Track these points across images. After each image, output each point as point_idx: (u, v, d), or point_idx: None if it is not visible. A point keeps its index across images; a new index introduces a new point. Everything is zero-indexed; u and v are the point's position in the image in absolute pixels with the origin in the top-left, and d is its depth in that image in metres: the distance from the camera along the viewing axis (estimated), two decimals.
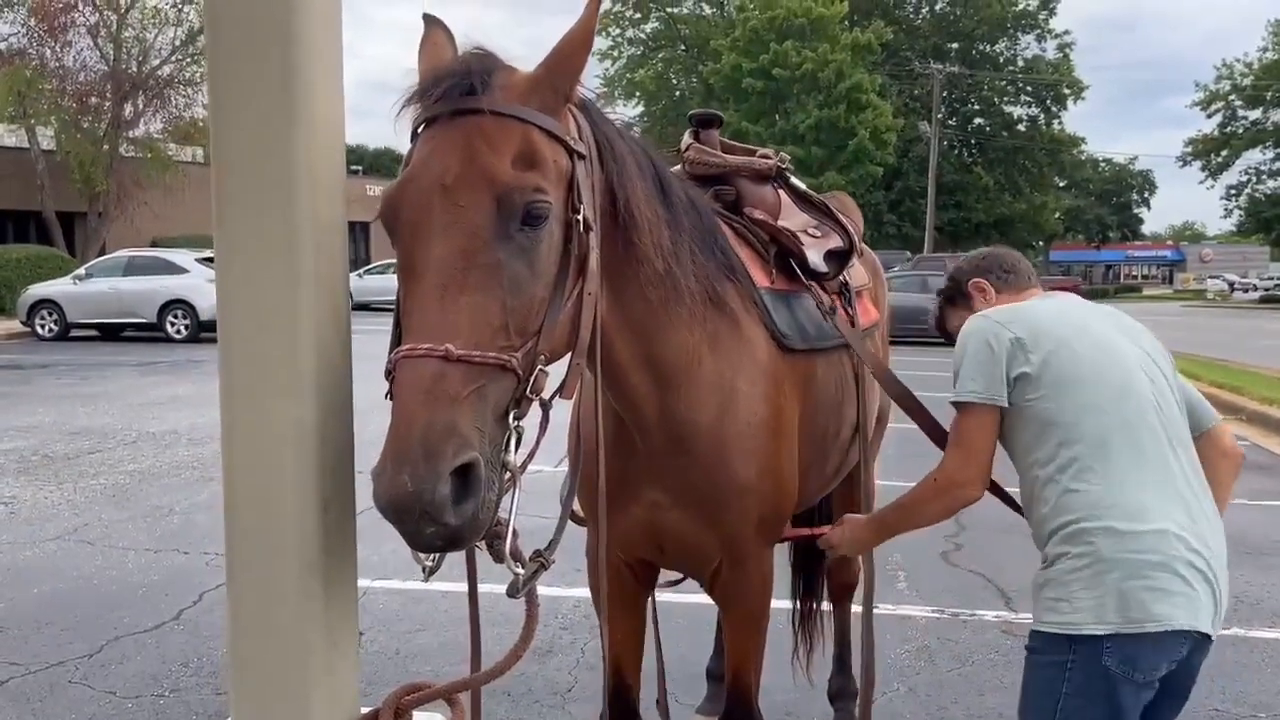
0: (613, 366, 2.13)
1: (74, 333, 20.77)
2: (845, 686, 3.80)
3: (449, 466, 1.48)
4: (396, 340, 1.68)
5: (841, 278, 2.95)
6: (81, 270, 21.65)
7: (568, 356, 1.85)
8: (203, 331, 20.14)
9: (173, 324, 20.27)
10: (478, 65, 1.76)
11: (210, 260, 20.35)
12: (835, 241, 2.92)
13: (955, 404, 2.30)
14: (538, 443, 1.79)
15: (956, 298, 2.62)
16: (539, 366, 1.67)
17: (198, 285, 19.93)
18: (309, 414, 1.50)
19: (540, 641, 4.62)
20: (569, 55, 1.82)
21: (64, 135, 28.79)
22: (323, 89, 1.50)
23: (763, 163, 2.92)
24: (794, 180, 3.03)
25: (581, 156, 1.85)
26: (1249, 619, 5.16)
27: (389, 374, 1.62)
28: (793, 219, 2.89)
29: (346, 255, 1.64)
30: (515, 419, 1.63)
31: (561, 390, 1.84)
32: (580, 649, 4.60)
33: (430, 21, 1.96)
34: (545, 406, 1.78)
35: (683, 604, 4.57)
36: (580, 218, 1.79)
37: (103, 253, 25.99)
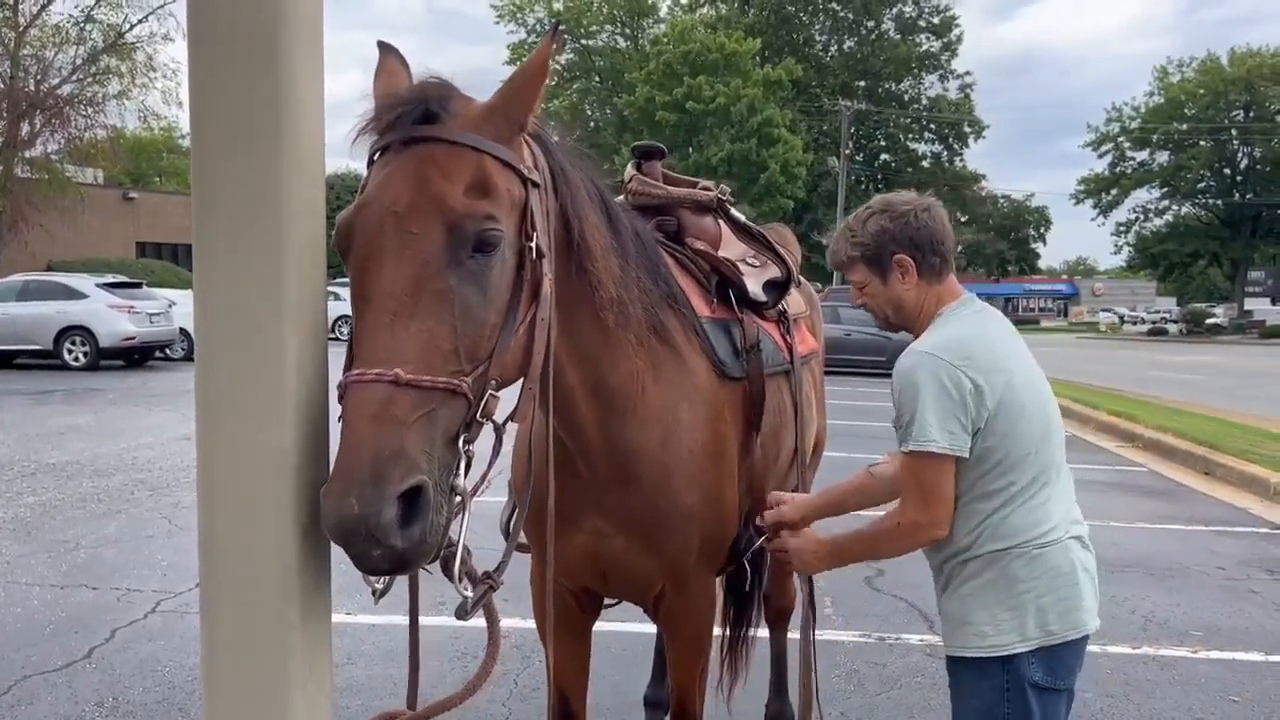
0: (562, 392, 2.14)
1: None
2: (783, 711, 3.85)
3: (396, 490, 1.48)
4: (350, 364, 1.68)
5: (780, 306, 3.03)
6: None
7: (519, 382, 1.86)
8: (102, 359, 19.41)
9: (70, 351, 19.41)
10: (433, 93, 1.79)
11: (112, 285, 20.00)
12: (773, 272, 3.00)
13: (912, 453, 2.18)
14: (490, 466, 1.81)
15: (872, 261, 2.38)
16: (490, 391, 1.69)
17: (97, 311, 19.23)
18: (289, 441, 1.48)
19: (471, 671, 4.55)
20: (523, 86, 1.85)
21: None
22: (306, 112, 1.49)
23: (704, 194, 2.99)
24: (734, 211, 3.10)
25: (535, 185, 1.87)
26: (1158, 638, 5.37)
27: (341, 398, 1.62)
28: (732, 249, 2.96)
29: (325, 279, 1.63)
30: (466, 443, 1.64)
31: (514, 415, 1.87)
32: (514, 679, 4.56)
33: (385, 49, 1.97)
34: (499, 430, 1.80)
35: (616, 632, 4.59)
36: (533, 245, 1.81)
37: None
